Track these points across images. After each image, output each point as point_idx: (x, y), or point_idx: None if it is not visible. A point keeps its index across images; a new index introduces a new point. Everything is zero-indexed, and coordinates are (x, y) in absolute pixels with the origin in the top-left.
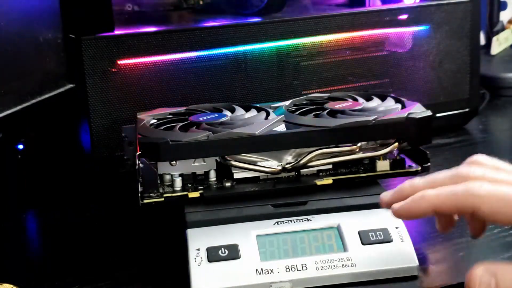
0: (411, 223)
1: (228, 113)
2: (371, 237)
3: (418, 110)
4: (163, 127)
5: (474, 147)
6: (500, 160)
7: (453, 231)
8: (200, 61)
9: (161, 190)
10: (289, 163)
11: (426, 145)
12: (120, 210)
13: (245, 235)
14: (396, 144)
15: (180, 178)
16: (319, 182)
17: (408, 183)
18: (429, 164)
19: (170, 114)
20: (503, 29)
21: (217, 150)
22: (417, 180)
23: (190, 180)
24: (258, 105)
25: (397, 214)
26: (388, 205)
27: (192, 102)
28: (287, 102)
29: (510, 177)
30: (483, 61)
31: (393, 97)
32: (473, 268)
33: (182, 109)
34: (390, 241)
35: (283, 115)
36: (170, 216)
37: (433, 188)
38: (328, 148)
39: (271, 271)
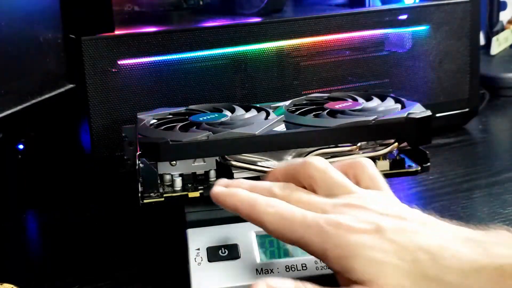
0: None
1: (228, 113)
2: None
3: (418, 110)
4: (163, 127)
5: (474, 147)
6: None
7: None
8: (200, 61)
9: (161, 190)
10: None
11: (426, 145)
12: (120, 210)
13: (245, 235)
14: (396, 144)
15: (180, 178)
16: None
17: (239, 181)
18: (429, 164)
19: (170, 114)
20: (503, 29)
21: (217, 150)
22: (244, 181)
23: (190, 180)
24: (258, 105)
25: (211, 195)
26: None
27: (192, 102)
28: (287, 102)
29: (311, 201)
30: (483, 61)
31: (393, 97)
32: (254, 283)
33: (182, 109)
34: None
35: (283, 115)
36: (170, 216)
37: (253, 190)
38: (328, 148)
39: (271, 271)
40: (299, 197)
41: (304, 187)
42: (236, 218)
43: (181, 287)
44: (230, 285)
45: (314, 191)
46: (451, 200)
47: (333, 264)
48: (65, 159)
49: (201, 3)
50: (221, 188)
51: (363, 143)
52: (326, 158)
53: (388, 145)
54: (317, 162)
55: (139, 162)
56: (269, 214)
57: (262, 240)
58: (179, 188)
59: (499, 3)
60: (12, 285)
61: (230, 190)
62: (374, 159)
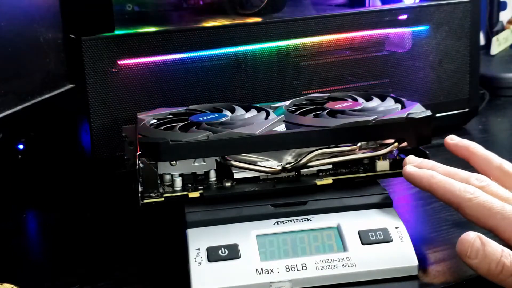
0: (411, 223)
1: (228, 113)
2: (371, 237)
3: (418, 110)
4: (163, 127)
5: None
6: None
7: (453, 231)
8: (200, 61)
9: (161, 190)
10: (289, 163)
11: (426, 145)
12: (120, 210)
13: (245, 235)
14: (396, 144)
15: (180, 178)
16: (319, 182)
17: (432, 163)
18: None
19: (170, 114)
20: (502, 29)
21: (217, 150)
22: (440, 165)
23: (190, 180)
24: (258, 105)
25: (405, 174)
26: (405, 163)
27: (192, 102)
28: (287, 102)
29: (506, 194)
30: (483, 61)
31: (393, 97)
32: (465, 233)
33: (182, 109)
34: (390, 241)
35: (283, 115)
36: (170, 216)
37: (448, 175)
38: (328, 148)
39: (271, 271)
40: (496, 190)
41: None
42: (236, 218)
43: (181, 287)
44: (230, 285)
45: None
46: None
47: None
48: (65, 159)
49: (201, 3)
50: (415, 168)
51: (363, 143)
52: (326, 158)
53: (388, 145)
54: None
55: (139, 162)
56: (468, 201)
57: (262, 240)
58: (179, 188)
59: (499, 3)
60: (12, 285)
61: (426, 171)
62: (374, 159)
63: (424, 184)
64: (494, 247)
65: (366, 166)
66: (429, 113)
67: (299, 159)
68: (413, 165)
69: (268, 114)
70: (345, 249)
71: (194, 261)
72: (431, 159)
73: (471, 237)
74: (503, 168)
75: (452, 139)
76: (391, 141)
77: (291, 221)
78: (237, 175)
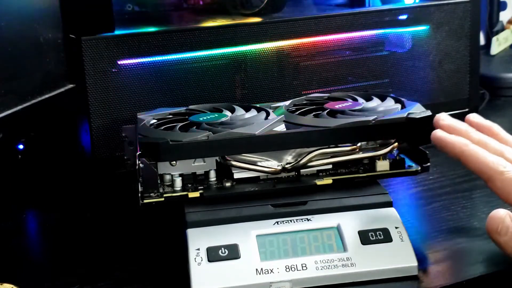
0: (411, 223)
1: (228, 113)
2: (371, 237)
3: (418, 110)
4: (163, 127)
5: None
6: None
7: (453, 232)
8: (200, 61)
9: (161, 190)
10: (289, 163)
11: (426, 145)
12: (120, 210)
13: (245, 235)
14: (396, 144)
15: (180, 178)
16: (319, 182)
17: (466, 130)
18: (429, 164)
19: (170, 114)
20: (503, 29)
21: (217, 150)
22: (474, 132)
23: (190, 180)
24: (258, 105)
25: (435, 138)
26: (438, 126)
27: (192, 102)
28: (287, 102)
29: None
30: (483, 61)
31: (393, 97)
32: (495, 210)
33: (182, 109)
34: (389, 241)
35: (283, 115)
36: (170, 216)
37: (478, 145)
38: (328, 148)
39: (271, 271)
40: None
41: None
42: (236, 218)
43: (181, 287)
44: (230, 285)
45: None
46: (451, 200)
47: None
48: (65, 159)
49: (201, 3)
50: (446, 134)
51: (363, 143)
52: (326, 158)
53: (388, 145)
54: None
55: (139, 162)
56: (500, 174)
57: (262, 240)
58: (179, 188)
59: (499, 3)
60: (12, 285)
61: (459, 139)
62: (374, 159)
63: (456, 152)
64: None
65: (366, 166)
66: (429, 113)
67: (299, 159)
68: (445, 125)
69: (268, 114)
70: (345, 249)
71: (194, 261)
72: (431, 159)
73: (502, 214)
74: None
75: (474, 117)
76: (391, 141)
77: (291, 221)
78: (237, 175)
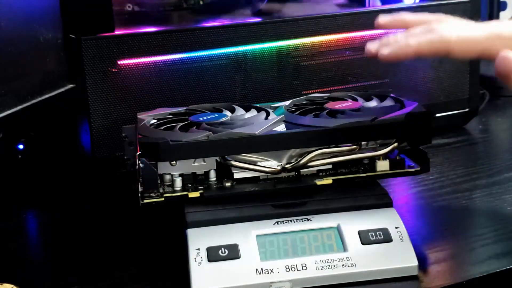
0: (411, 223)
1: (228, 113)
2: (371, 237)
3: (418, 110)
4: (163, 127)
5: (474, 147)
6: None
7: (453, 232)
8: (200, 61)
9: (161, 190)
10: (289, 163)
11: (426, 145)
12: (120, 210)
13: (245, 235)
14: (396, 144)
15: (180, 178)
16: (319, 182)
17: (392, 36)
18: (429, 164)
19: (170, 114)
20: None
21: (217, 150)
22: (399, 34)
23: (190, 180)
24: (258, 105)
25: (385, 57)
26: (374, 54)
27: (192, 102)
28: (287, 102)
29: (471, 24)
30: (483, 61)
31: (393, 97)
32: (502, 52)
33: (182, 109)
34: (389, 241)
35: (283, 115)
36: (170, 216)
37: (413, 37)
38: (328, 148)
39: (271, 271)
40: (461, 25)
41: None
42: (236, 218)
43: (181, 287)
44: (230, 285)
45: None
46: (451, 200)
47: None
48: (65, 159)
49: (201, 3)
50: (387, 49)
51: (363, 143)
52: (326, 158)
53: (388, 145)
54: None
55: (139, 162)
56: (454, 41)
57: (262, 240)
58: (179, 188)
59: (499, 3)
60: (12, 285)
61: (399, 45)
62: (374, 159)
63: (409, 52)
64: None
65: (366, 166)
66: (429, 113)
67: (299, 159)
68: (375, 45)
69: (268, 114)
70: (345, 249)
71: (194, 261)
72: (431, 159)
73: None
74: (443, 18)
75: (383, 19)
76: (391, 141)
77: (291, 221)
78: (237, 175)
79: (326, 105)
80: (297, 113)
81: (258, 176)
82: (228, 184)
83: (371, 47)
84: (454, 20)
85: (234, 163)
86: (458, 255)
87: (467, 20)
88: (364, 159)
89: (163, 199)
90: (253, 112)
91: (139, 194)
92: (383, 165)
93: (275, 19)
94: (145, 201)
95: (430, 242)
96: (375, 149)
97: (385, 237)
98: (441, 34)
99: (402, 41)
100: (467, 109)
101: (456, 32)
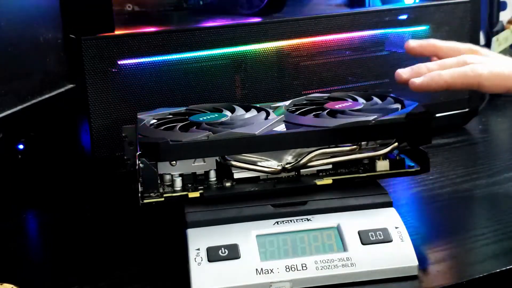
0: (411, 223)
1: (228, 113)
2: (371, 237)
3: (418, 110)
4: (163, 127)
5: (474, 147)
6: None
7: (453, 232)
8: (200, 61)
9: (161, 190)
10: (289, 163)
11: (426, 145)
12: (120, 210)
13: (245, 235)
14: (396, 144)
15: (180, 178)
16: (319, 182)
17: (424, 65)
18: (429, 164)
19: (170, 114)
20: (502, 29)
21: (217, 150)
22: (431, 64)
23: (190, 180)
24: (258, 105)
25: (417, 87)
26: (404, 80)
27: (192, 102)
28: (287, 102)
29: (503, 59)
30: None
31: (393, 97)
32: None
33: (182, 109)
34: (390, 241)
35: (283, 115)
36: (170, 216)
37: (444, 69)
38: (328, 148)
39: (271, 271)
40: (492, 61)
41: None
42: (236, 218)
43: (181, 287)
44: (230, 285)
45: None
46: (451, 200)
47: None
48: (65, 159)
49: (201, 3)
50: (420, 79)
51: (363, 143)
52: (326, 158)
53: (388, 145)
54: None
55: (139, 162)
56: (485, 75)
57: (262, 240)
58: (179, 188)
59: (499, 3)
60: (12, 285)
61: (431, 75)
62: (374, 159)
63: (441, 84)
64: None
65: (366, 166)
66: (429, 113)
67: (299, 159)
68: (407, 73)
69: (268, 114)
70: (345, 249)
71: (194, 261)
72: (431, 159)
73: None
74: (472, 48)
75: (413, 43)
76: (391, 141)
77: (291, 221)
78: (237, 175)
79: (326, 105)
80: (297, 113)
81: (258, 176)
82: (228, 184)
83: (403, 73)
84: (486, 53)
85: (234, 163)
86: (458, 255)
87: (498, 53)
88: (364, 159)
89: (163, 199)
90: (253, 112)
91: (139, 194)
92: (383, 165)
93: (275, 19)
94: (145, 201)
95: (430, 242)
96: (375, 149)
97: (385, 237)
98: (473, 68)
99: (435, 72)
100: (467, 109)
101: (488, 67)
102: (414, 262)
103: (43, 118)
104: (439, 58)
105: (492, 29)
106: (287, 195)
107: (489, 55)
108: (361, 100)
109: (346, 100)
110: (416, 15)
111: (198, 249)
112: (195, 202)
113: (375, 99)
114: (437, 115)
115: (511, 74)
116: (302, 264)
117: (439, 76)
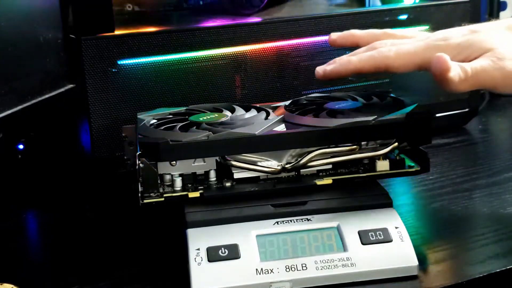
0: (411, 223)
1: (228, 113)
2: (370, 237)
3: (418, 110)
4: (163, 127)
5: (474, 147)
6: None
7: (453, 232)
8: (200, 61)
9: (161, 190)
10: (289, 163)
11: (426, 145)
12: (120, 210)
13: (245, 235)
14: (396, 144)
15: (180, 178)
16: (319, 182)
17: (351, 33)
18: (429, 164)
19: (170, 114)
20: None
21: (217, 150)
22: (358, 32)
23: (190, 180)
24: (258, 105)
25: (328, 73)
26: (321, 75)
27: (192, 102)
28: (287, 102)
29: (409, 40)
30: None
31: (393, 97)
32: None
33: (182, 109)
34: (389, 241)
35: (283, 115)
36: (170, 216)
37: (356, 55)
38: (328, 148)
39: (271, 271)
40: (402, 41)
41: None
42: (236, 218)
43: (181, 287)
44: (230, 285)
45: None
46: (451, 200)
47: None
48: (65, 159)
49: (201, 3)
50: (329, 66)
51: (363, 143)
52: (326, 158)
53: (388, 145)
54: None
55: (139, 162)
56: (393, 56)
57: (262, 240)
58: (179, 188)
59: (499, 3)
60: (12, 285)
61: (340, 62)
62: (374, 159)
63: (350, 69)
64: None
65: (366, 166)
66: (429, 113)
67: (299, 159)
68: (322, 68)
69: (268, 114)
70: (345, 249)
71: (194, 261)
72: (431, 159)
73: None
74: (388, 32)
75: (334, 35)
76: (391, 141)
77: (291, 221)
78: (237, 175)
79: (326, 105)
80: (297, 113)
81: (258, 176)
82: (228, 184)
83: (319, 69)
84: (402, 34)
85: (234, 163)
86: (458, 255)
87: (419, 31)
88: (364, 159)
89: (163, 199)
90: (253, 112)
91: (139, 194)
92: (383, 165)
93: (275, 19)
94: (145, 201)
95: (430, 242)
96: (375, 149)
97: (385, 237)
98: (380, 51)
99: (344, 58)
100: (467, 109)
101: (395, 48)
102: (414, 262)
103: (43, 118)
104: (361, 47)
105: None
106: (287, 195)
107: (407, 36)
108: (361, 100)
109: (346, 100)
110: (416, 15)
111: (198, 249)
112: (195, 202)
113: (375, 99)
114: (437, 115)
115: (417, 50)
116: (302, 264)
117: (348, 61)
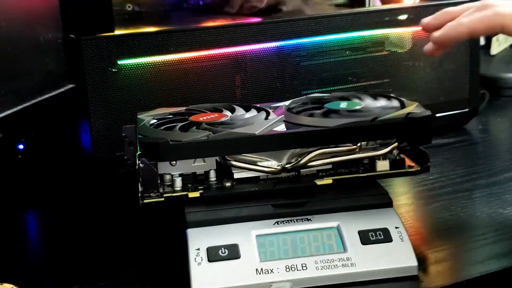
0: (411, 223)
1: (228, 113)
2: (371, 237)
3: (418, 110)
4: (163, 127)
5: (474, 147)
6: None
7: (453, 232)
8: (200, 61)
9: (161, 190)
10: (289, 163)
11: (426, 145)
12: (120, 210)
13: (245, 235)
14: (396, 144)
15: (180, 178)
16: (319, 182)
17: (444, 11)
18: (429, 164)
19: (170, 114)
20: None
21: (217, 150)
22: (451, 8)
23: (190, 180)
24: (258, 105)
25: (439, 40)
26: (427, 30)
27: (192, 102)
28: (287, 102)
29: None
30: (483, 61)
31: (393, 97)
32: None
33: (182, 109)
34: (389, 241)
35: (283, 115)
36: (170, 216)
37: (465, 16)
38: (328, 148)
39: (271, 271)
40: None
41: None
42: (236, 218)
43: (181, 287)
44: (230, 285)
45: None
46: (451, 200)
47: None
48: (65, 159)
49: (201, 3)
50: (438, 32)
51: (363, 143)
52: (326, 158)
53: (388, 145)
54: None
55: (139, 162)
56: (509, 15)
57: (262, 240)
58: (179, 188)
59: None
60: (12, 285)
61: (450, 25)
62: (374, 159)
63: (462, 32)
64: None
65: (366, 166)
66: (429, 113)
67: (299, 159)
68: (429, 22)
69: (268, 114)
70: (345, 249)
71: (194, 261)
72: (431, 159)
73: None
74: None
75: (426, 19)
76: (391, 141)
77: (291, 221)
78: (237, 175)
79: (326, 105)
80: (296, 113)
81: (258, 176)
82: (228, 184)
83: (425, 21)
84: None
85: (234, 163)
86: (458, 255)
87: None
88: (364, 159)
89: (163, 199)
90: (253, 112)
91: (139, 194)
92: (383, 165)
93: (275, 19)
94: (145, 201)
95: (430, 242)
96: (375, 149)
97: (385, 237)
98: (495, 10)
99: (454, 21)
100: (467, 109)
101: (510, 7)
102: (414, 262)
103: (43, 118)
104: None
105: None
106: (287, 195)
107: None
108: (361, 100)
109: (346, 100)
110: (416, 15)
111: (198, 249)
112: (195, 202)
113: (375, 99)
114: (437, 115)
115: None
116: (302, 264)
117: (459, 23)
